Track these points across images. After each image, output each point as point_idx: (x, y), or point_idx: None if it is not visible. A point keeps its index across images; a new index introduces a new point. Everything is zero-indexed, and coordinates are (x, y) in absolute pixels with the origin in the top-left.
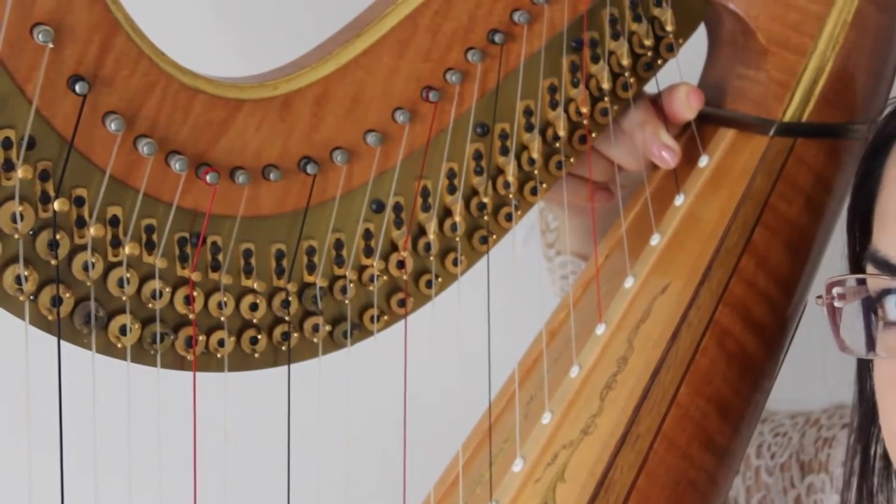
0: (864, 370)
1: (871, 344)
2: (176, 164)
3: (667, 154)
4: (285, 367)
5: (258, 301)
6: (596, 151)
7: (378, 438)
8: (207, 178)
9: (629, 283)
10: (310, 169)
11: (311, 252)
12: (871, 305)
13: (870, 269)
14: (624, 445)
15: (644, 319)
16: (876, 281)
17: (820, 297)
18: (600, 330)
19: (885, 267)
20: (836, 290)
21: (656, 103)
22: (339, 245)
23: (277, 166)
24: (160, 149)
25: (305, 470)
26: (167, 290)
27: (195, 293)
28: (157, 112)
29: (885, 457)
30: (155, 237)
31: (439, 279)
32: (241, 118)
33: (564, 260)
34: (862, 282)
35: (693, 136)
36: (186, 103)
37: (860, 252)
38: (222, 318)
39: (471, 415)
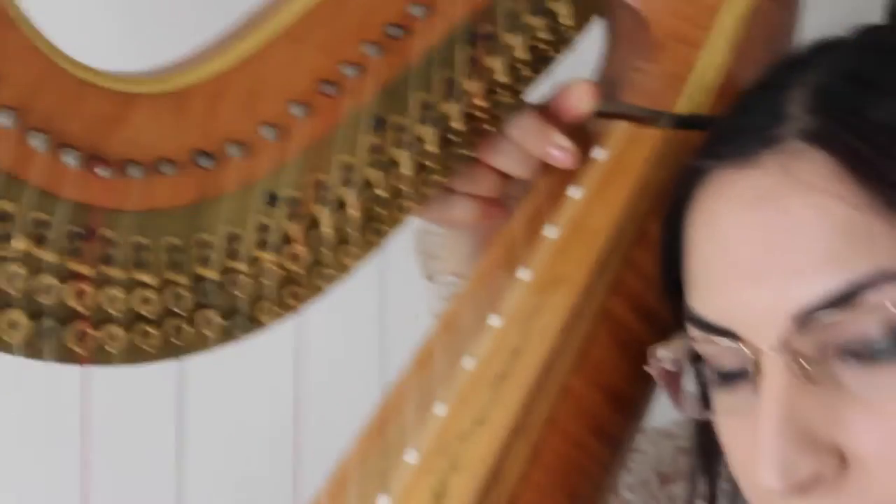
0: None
1: (696, 406)
2: (67, 159)
3: (562, 155)
4: (176, 358)
5: (150, 294)
6: (488, 166)
7: (270, 433)
8: (100, 171)
9: (523, 274)
10: (204, 163)
11: (203, 245)
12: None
13: (691, 329)
14: (516, 436)
15: (538, 311)
16: (698, 341)
17: (650, 362)
18: (494, 321)
19: (704, 327)
20: (666, 354)
21: (544, 108)
22: (233, 238)
23: (171, 160)
24: (52, 143)
25: (197, 464)
26: (58, 284)
27: (87, 287)
28: (50, 106)
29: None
30: (46, 231)
31: (333, 272)
32: (135, 112)
33: (447, 281)
34: (685, 342)
35: (588, 131)
36: (79, 98)
37: (678, 309)
38: (114, 312)
39: (364, 407)
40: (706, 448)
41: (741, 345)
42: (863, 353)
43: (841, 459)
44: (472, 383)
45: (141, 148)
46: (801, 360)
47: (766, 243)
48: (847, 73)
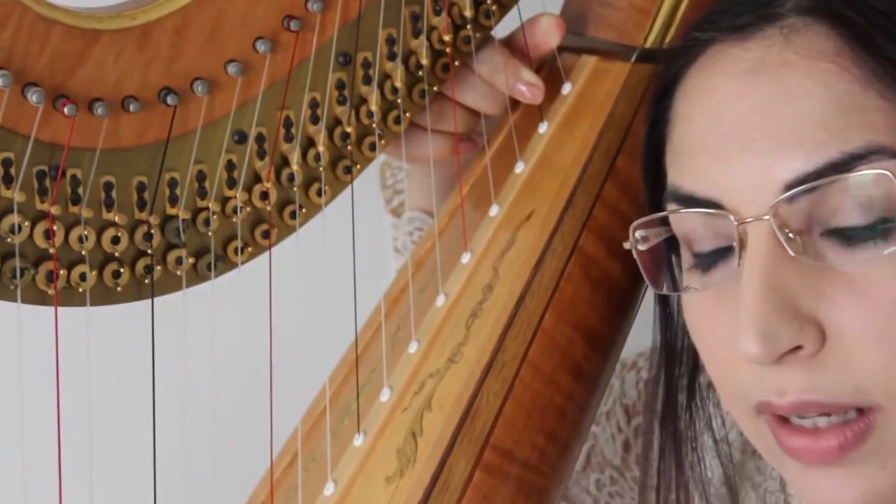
0: (666, 311)
1: (675, 282)
2: (33, 97)
3: (530, 91)
4: (149, 300)
5: (120, 234)
6: (456, 103)
7: (244, 372)
8: (65, 110)
9: (494, 211)
10: (170, 100)
11: (173, 184)
12: (673, 245)
13: (671, 206)
14: (490, 373)
15: (509, 247)
16: (680, 217)
17: (626, 242)
18: (466, 258)
19: (688, 201)
20: (639, 234)
21: (511, 44)
22: (201, 177)
23: (137, 98)
24: (16, 81)
25: (171, 404)
26: (26, 224)
27: (55, 227)
28: (13, 43)
29: (688, 388)
30: (13, 171)
31: (303, 210)
32: (99, 49)
33: (412, 217)
34: (664, 222)
35: (556, 66)
36: (43, 34)
37: (656, 195)
38: (83, 252)
39: (338, 346)
40: (670, 350)
41: (728, 215)
42: (847, 230)
43: (821, 333)
44: (444, 321)
45: (106, 85)
46: (787, 230)
47: (761, 110)
48: None
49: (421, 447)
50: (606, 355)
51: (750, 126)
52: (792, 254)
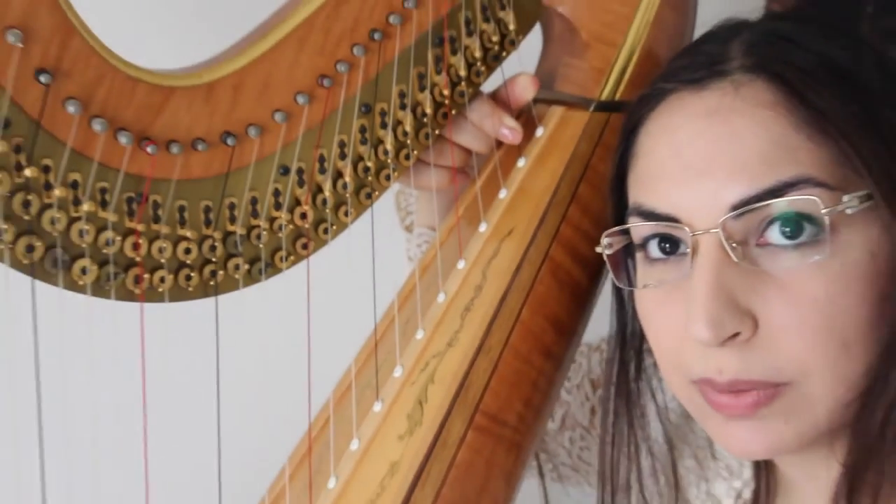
0: (620, 305)
1: (631, 279)
2: (123, 139)
3: (511, 134)
4: (213, 297)
5: (191, 246)
6: (453, 143)
7: (288, 354)
8: (148, 149)
9: (483, 227)
10: (230, 141)
11: (231, 207)
12: (631, 250)
13: (634, 220)
14: (479, 354)
15: (495, 256)
16: (640, 229)
17: (598, 246)
18: (461, 265)
19: (650, 216)
20: (606, 241)
21: (496, 97)
22: (254, 201)
23: (204, 139)
24: (110, 126)
25: (230, 379)
26: (118, 238)
27: (140, 241)
28: (107, 98)
29: (636, 366)
30: (108, 196)
31: (333, 227)
32: (174, 101)
33: (420, 233)
34: (625, 232)
35: (531, 114)
36: (130, 90)
37: (619, 211)
38: (163, 260)
39: (360, 334)
40: (622, 335)
41: (685, 227)
42: (777, 240)
43: (755, 323)
44: (444, 314)
45: (180, 130)
46: (731, 241)
47: (714, 147)
48: (769, 32)
49: (426, 412)
50: (570, 340)
51: (705, 158)
52: (735, 260)
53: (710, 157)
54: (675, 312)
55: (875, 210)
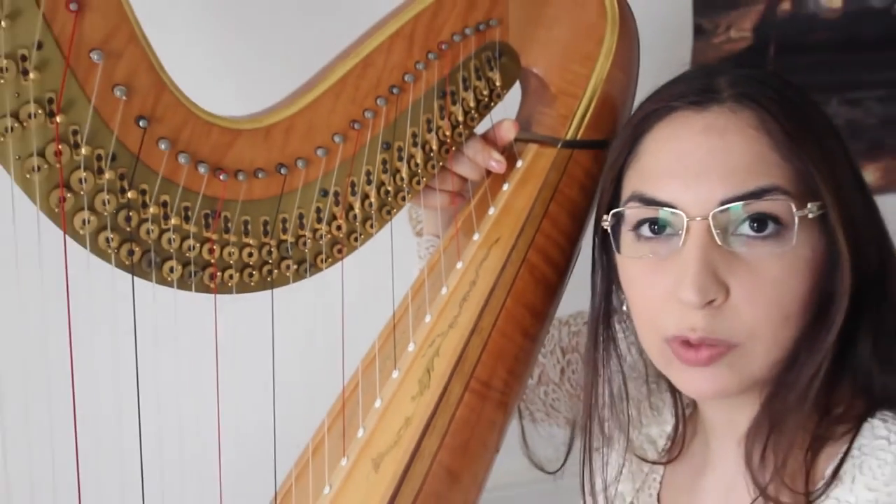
0: (595, 276)
1: (621, 248)
2: (201, 169)
3: (498, 165)
4: (270, 290)
5: (252, 251)
6: (453, 172)
7: (326, 333)
8: (221, 177)
9: (476, 237)
10: (283, 171)
11: (284, 221)
12: (618, 230)
13: (634, 204)
14: (474, 334)
15: (485, 258)
16: (637, 211)
17: (604, 220)
18: (459, 265)
19: (651, 202)
20: (607, 219)
21: (486, 137)
22: (301, 216)
23: (263, 169)
24: (192, 160)
25: (283, 354)
26: (197, 245)
27: (214, 247)
28: (190, 137)
29: (605, 322)
30: (190, 213)
31: (362, 236)
32: (241, 141)
33: (427, 239)
34: (620, 214)
35: (513, 150)
36: (207, 132)
37: (615, 197)
38: (231, 262)
39: (383, 318)
40: (595, 312)
41: (681, 213)
42: (748, 232)
43: (727, 293)
44: (446, 302)
45: (245, 162)
46: (717, 229)
47: (710, 156)
48: (743, 74)
49: (433, 378)
50: (543, 322)
51: (702, 163)
52: (718, 243)
53: (706, 162)
54: (658, 280)
55: (822, 217)
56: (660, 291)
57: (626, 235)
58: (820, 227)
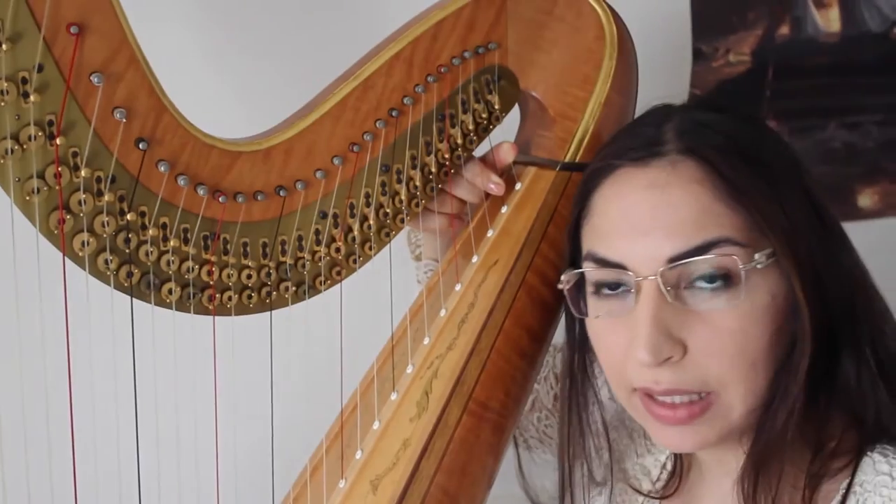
0: (570, 324)
1: (584, 309)
2: (200, 191)
3: (496, 188)
4: (268, 311)
5: (252, 273)
6: (452, 195)
7: (325, 355)
8: (220, 199)
9: (475, 259)
10: (282, 193)
11: (283, 243)
12: (583, 285)
13: (588, 264)
14: (472, 356)
15: (483, 280)
16: (594, 272)
17: (560, 283)
18: (458, 287)
19: (602, 263)
20: (564, 278)
21: (485, 160)
22: (300, 238)
23: (262, 191)
24: (191, 182)
25: (281, 376)
26: (196, 266)
27: (213, 268)
28: (189, 160)
29: (581, 367)
30: (189, 235)
31: (361, 258)
32: (240, 163)
33: (426, 263)
34: (580, 273)
35: (512, 173)
36: (206, 154)
37: (574, 254)
38: (230, 283)
39: (381, 341)
40: (571, 345)
41: (630, 273)
42: (702, 287)
43: (684, 349)
44: (445, 325)
45: (244, 184)
46: (667, 286)
47: (654, 213)
48: (693, 120)
49: (431, 400)
50: (541, 344)
51: (647, 221)
52: (669, 300)
53: (651, 220)
54: (619, 337)
55: (776, 262)
56: (622, 347)
57: (588, 291)
58: (777, 272)
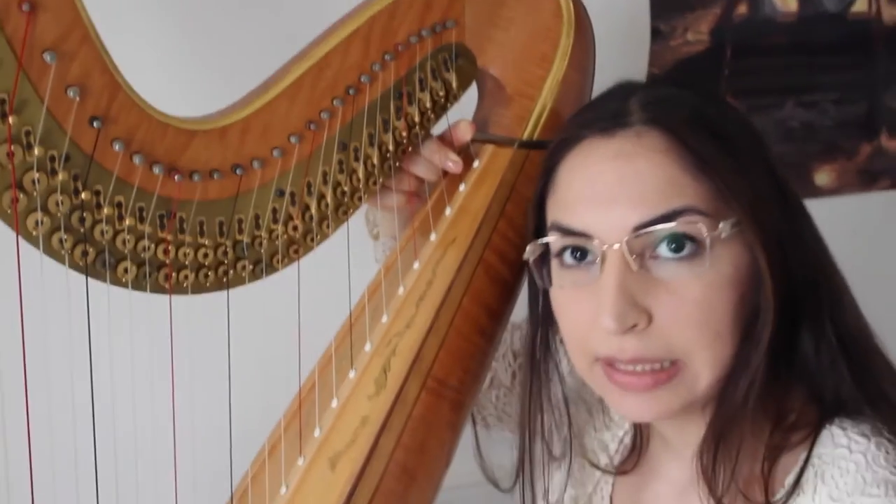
0: (534, 299)
1: (548, 279)
2: (156, 170)
3: (454, 166)
4: (225, 290)
5: (208, 252)
6: (409, 173)
7: (282, 334)
8: (176, 177)
9: (433, 237)
10: (238, 171)
11: (240, 221)
12: (547, 258)
13: (553, 234)
14: (430, 333)
15: (442, 258)
16: (558, 241)
17: (523, 252)
18: (416, 265)
19: (567, 232)
20: (529, 249)
21: (443, 138)
22: (257, 217)
23: (219, 170)
24: (146, 160)
25: (239, 353)
26: (152, 245)
27: (169, 247)
28: (144, 138)
29: (542, 341)
30: (144, 214)
31: (318, 236)
32: (196, 141)
33: (384, 241)
34: (545, 244)
35: (469, 151)
36: (161, 133)
37: (539, 226)
38: (186, 262)
39: (339, 319)
40: (534, 318)
41: (596, 242)
42: (665, 254)
43: (649, 317)
44: (403, 302)
45: (200, 163)
46: (632, 254)
47: (620, 182)
48: (658, 93)
49: (389, 378)
50: (500, 322)
51: (613, 190)
52: (634, 268)
53: (617, 189)
54: (584, 307)
55: (740, 232)
56: (586, 317)
57: (553, 263)
58: (741, 242)
